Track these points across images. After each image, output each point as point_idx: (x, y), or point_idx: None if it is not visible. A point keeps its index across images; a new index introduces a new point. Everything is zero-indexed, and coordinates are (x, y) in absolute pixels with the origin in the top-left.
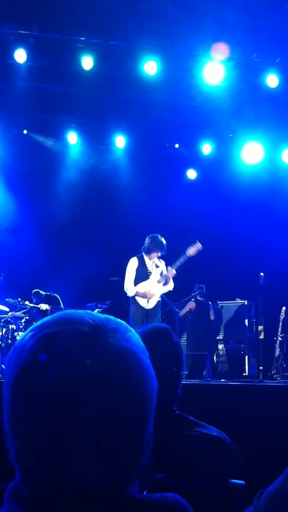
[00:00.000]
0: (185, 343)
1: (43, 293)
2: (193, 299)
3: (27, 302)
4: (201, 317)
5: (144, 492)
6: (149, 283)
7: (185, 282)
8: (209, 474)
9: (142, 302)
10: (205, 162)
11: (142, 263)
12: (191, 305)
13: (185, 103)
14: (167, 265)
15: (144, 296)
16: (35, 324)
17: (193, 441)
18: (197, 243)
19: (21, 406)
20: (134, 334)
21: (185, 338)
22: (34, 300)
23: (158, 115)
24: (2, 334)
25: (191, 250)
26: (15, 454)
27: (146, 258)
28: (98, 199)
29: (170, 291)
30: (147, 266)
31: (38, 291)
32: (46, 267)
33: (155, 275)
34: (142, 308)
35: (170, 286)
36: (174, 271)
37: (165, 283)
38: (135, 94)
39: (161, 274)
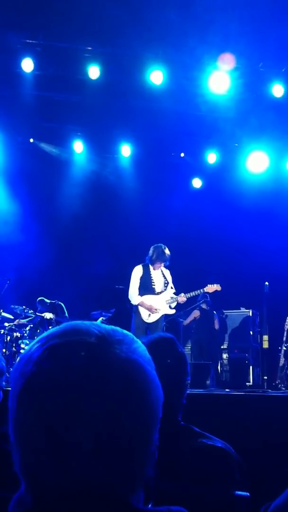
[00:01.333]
0: (189, 352)
1: (48, 301)
2: (197, 308)
3: (31, 311)
4: (206, 326)
5: (150, 504)
6: (156, 298)
7: (189, 291)
8: (213, 486)
9: (143, 314)
10: (210, 171)
11: (146, 272)
12: (196, 313)
13: (190, 112)
14: (183, 291)
15: (148, 309)
16: (42, 335)
17: (198, 452)
18: (218, 285)
19: (26, 416)
20: (140, 346)
21: (189, 347)
22: (39, 308)
23: (163, 124)
24: (6, 342)
25: (210, 288)
26: (20, 464)
27: (151, 267)
28: (103, 207)
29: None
30: (151, 275)
31: (42, 299)
32: (51, 275)
33: (159, 286)
34: (143, 321)
35: (173, 311)
36: (185, 298)
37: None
38: (141, 103)
39: (173, 298)
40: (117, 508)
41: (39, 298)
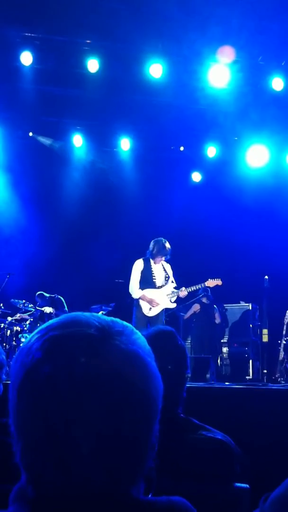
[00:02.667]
0: (189, 345)
1: (47, 295)
2: (197, 302)
3: (31, 305)
4: (206, 320)
5: (150, 495)
6: (157, 292)
7: (190, 285)
8: (213, 478)
9: (144, 308)
10: (210, 165)
11: (147, 266)
12: (196, 307)
13: (190, 106)
14: (183, 285)
15: (148, 302)
16: (41, 326)
17: (198, 445)
18: (219, 280)
19: (26, 408)
20: (140, 337)
21: (189, 341)
22: (38, 303)
23: (163, 118)
24: (6, 336)
25: (211, 282)
26: (20, 456)
27: (152, 261)
28: (103, 201)
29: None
30: (152, 269)
31: (42, 293)
32: (51, 269)
33: (159, 280)
34: (144, 315)
35: (174, 305)
36: (186, 292)
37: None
38: (140, 97)
39: (173, 292)
40: (118, 499)
41: (38, 293)
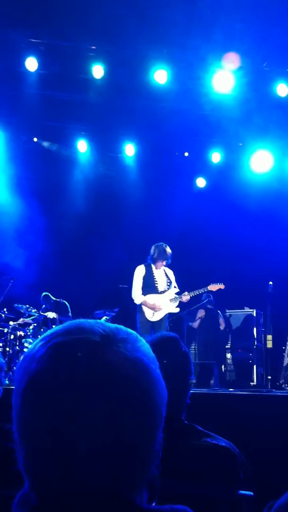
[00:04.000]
0: (193, 351)
1: (53, 298)
2: (202, 308)
3: (34, 310)
4: (211, 325)
5: (153, 503)
6: (160, 297)
7: (194, 290)
8: (217, 485)
9: (148, 313)
10: (214, 170)
11: (149, 272)
12: (201, 313)
13: (194, 112)
14: (185, 288)
15: (151, 308)
16: (46, 333)
17: (201, 451)
18: (221, 284)
19: (30, 414)
20: (144, 344)
21: (193, 347)
22: (43, 304)
23: (167, 123)
24: (10, 340)
25: (213, 287)
26: (23, 462)
27: (153, 266)
28: (107, 207)
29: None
30: (154, 275)
31: (48, 295)
32: (55, 274)
33: (162, 285)
34: (148, 320)
35: (177, 309)
36: (188, 297)
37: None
38: (145, 102)
39: (176, 296)
40: (121, 507)
41: (44, 294)
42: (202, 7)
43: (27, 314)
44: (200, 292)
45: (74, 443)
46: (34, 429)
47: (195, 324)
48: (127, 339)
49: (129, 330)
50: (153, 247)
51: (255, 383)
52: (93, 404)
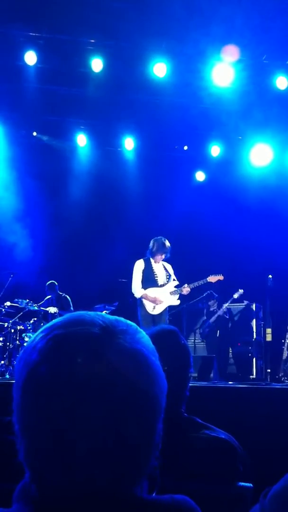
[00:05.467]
0: (192, 344)
1: (57, 290)
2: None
3: (35, 304)
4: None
5: (153, 494)
6: (160, 290)
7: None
8: (216, 477)
9: (148, 307)
10: (213, 164)
11: (148, 265)
12: (213, 304)
13: (194, 105)
14: (186, 282)
15: (152, 301)
16: (46, 325)
17: (201, 444)
18: (220, 275)
19: (30, 406)
20: (144, 336)
21: (192, 340)
22: (47, 293)
23: (167, 117)
24: (10, 335)
25: (212, 278)
26: (24, 454)
27: (152, 260)
28: (106, 201)
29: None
30: (153, 268)
31: (53, 283)
32: (55, 269)
33: (161, 279)
34: (149, 313)
35: (177, 302)
36: (189, 289)
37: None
38: (144, 96)
39: (176, 289)
40: (121, 498)
41: (50, 282)
42: None
43: (27, 309)
44: (200, 284)
45: (74, 435)
46: (34, 421)
47: (212, 320)
48: (127, 331)
49: (129, 322)
50: (152, 241)
51: (254, 377)
52: (93, 396)
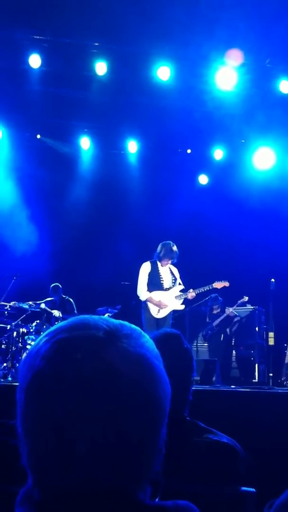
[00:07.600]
0: (195, 348)
1: (61, 293)
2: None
3: (40, 302)
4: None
5: (156, 499)
6: (165, 294)
7: (197, 287)
8: (219, 481)
9: (153, 310)
10: (216, 167)
11: (154, 268)
12: (216, 309)
13: (197, 109)
14: (188, 285)
15: (156, 305)
16: (50, 329)
17: (204, 448)
18: (226, 281)
19: (34, 410)
20: (148, 340)
21: (195, 344)
22: (51, 295)
23: (170, 120)
24: (13, 337)
25: (218, 284)
26: (27, 458)
27: (159, 264)
28: (110, 204)
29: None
30: (160, 272)
31: (57, 286)
32: (57, 271)
33: (167, 282)
34: (153, 317)
35: (182, 307)
36: (194, 294)
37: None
38: (147, 99)
39: (181, 293)
40: (124, 503)
41: (54, 284)
42: (204, 4)
43: (30, 311)
44: (206, 290)
45: (77, 439)
46: (38, 425)
47: (216, 322)
48: (131, 335)
49: (133, 326)
50: (160, 245)
51: (257, 380)
52: (96, 400)
